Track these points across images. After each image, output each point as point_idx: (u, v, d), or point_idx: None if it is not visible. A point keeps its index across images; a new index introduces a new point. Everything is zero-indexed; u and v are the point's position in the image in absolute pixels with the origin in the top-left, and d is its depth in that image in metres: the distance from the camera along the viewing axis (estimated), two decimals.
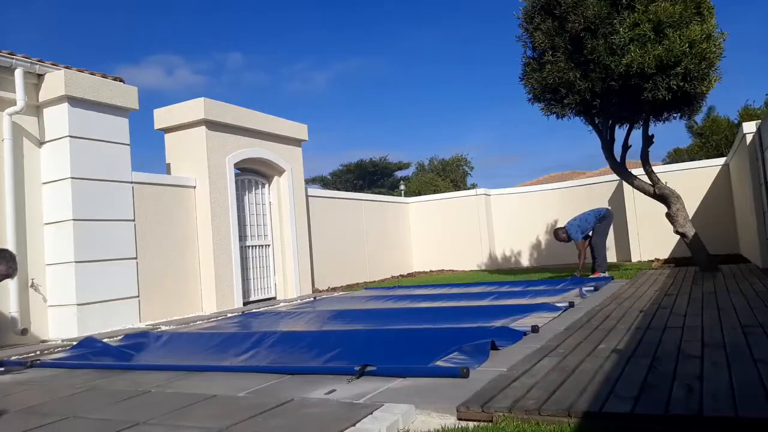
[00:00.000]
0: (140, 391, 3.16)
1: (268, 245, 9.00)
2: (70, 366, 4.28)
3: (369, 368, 3.04)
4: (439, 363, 3.28)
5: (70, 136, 6.15)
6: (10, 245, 5.77)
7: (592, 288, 6.64)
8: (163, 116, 8.03)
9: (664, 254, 10.60)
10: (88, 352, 4.82)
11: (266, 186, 9.15)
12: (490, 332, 3.90)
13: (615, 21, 7.09)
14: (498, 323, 4.50)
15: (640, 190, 8.55)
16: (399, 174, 38.16)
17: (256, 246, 8.75)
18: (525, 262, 12.76)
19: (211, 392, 3.01)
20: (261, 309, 7.44)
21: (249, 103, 8.52)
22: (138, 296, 6.65)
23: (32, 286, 6.03)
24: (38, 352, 5.02)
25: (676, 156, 20.44)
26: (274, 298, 8.92)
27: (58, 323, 6.07)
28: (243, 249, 8.39)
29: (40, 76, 6.21)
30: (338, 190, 24.30)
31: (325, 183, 37.60)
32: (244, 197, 8.63)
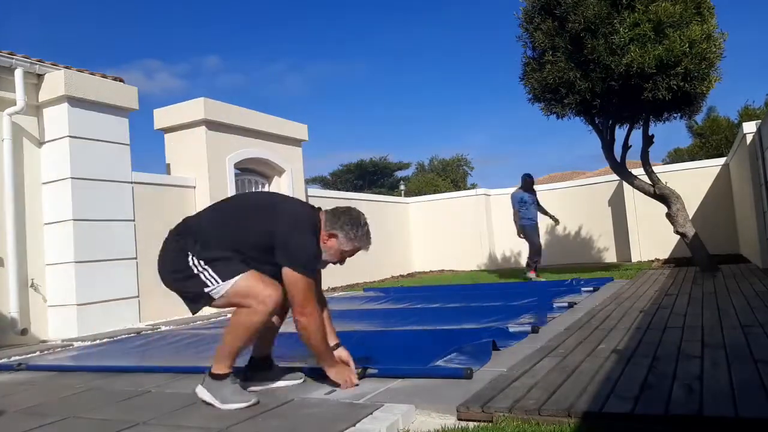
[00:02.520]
0: (140, 391, 3.16)
1: None
2: (66, 369, 4.27)
3: (370, 371, 3.02)
4: (440, 363, 3.27)
5: (70, 136, 6.15)
6: (10, 245, 5.77)
7: (592, 289, 6.64)
8: (162, 116, 8.03)
9: (664, 254, 10.60)
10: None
11: (266, 186, 9.14)
12: (490, 332, 3.90)
13: (615, 21, 7.09)
14: (498, 323, 4.50)
15: (640, 190, 8.55)
16: (399, 174, 38.22)
17: None
18: (525, 262, 12.74)
19: None
20: None
21: (246, 106, 8.51)
22: (138, 296, 6.65)
23: (32, 286, 6.03)
24: (38, 353, 5.02)
25: (676, 156, 20.47)
26: None
27: (57, 323, 6.07)
28: None
29: (39, 76, 6.21)
30: (338, 190, 24.31)
31: (325, 183, 37.63)
32: None
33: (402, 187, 30.54)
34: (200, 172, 7.69)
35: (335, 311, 6.39)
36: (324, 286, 10.48)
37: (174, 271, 2.74)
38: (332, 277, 10.18)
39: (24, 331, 5.78)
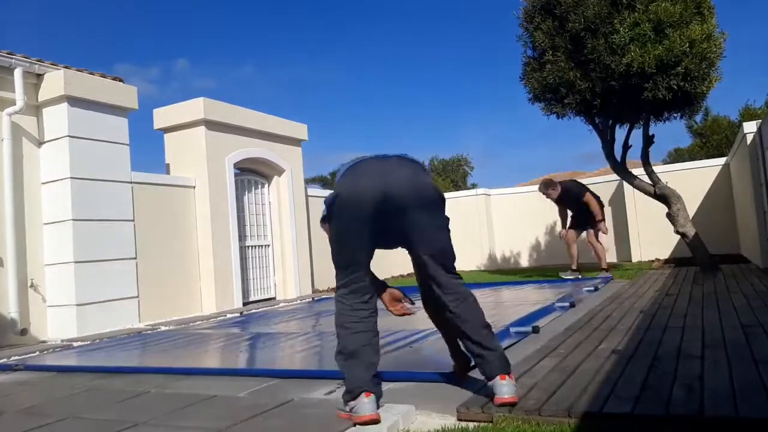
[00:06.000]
0: (140, 391, 3.15)
1: (268, 245, 9.00)
2: (66, 369, 4.27)
3: None
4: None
5: (70, 136, 6.15)
6: (9, 245, 5.77)
7: (592, 288, 6.63)
8: (162, 116, 8.03)
9: (665, 254, 10.59)
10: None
11: (266, 186, 9.14)
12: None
13: (615, 21, 7.08)
14: (498, 323, 4.49)
15: (641, 190, 8.54)
16: None
17: (255, 246, 8.74)
18: (524, 262, 12.75)
19: (211, 392, 3.00)
20: (261, 309, 7.44)
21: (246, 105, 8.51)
22: (137, 296, 6.64)
23: (32, 286, 6.02)
24: (37, 353, 5.01)
25: (677, 156, 20.48)
26: (274, 298, 8.91)
27: (57, 323, 6.07)
28: (243, 249, 8.38)
29: (39, 76, 6.20)
30: None
31: (325, 183, 37.61)
32: (243, 197, 8.62)
33: None
34: (200, 172, 7.69)
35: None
36: (324, 286, 10.45)
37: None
38: (333, 277, 10.16)
39: (23, 331, 5.77)
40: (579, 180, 9.90)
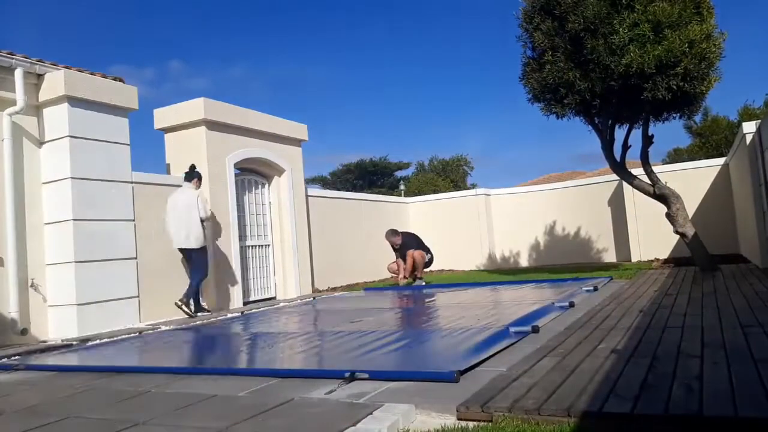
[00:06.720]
0: (140, 391, 3.16)
1: (268, 245, 9.00)
2: (66, 369, 4.27)
3: (361, 375, 3.01)
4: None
5: (70, 136, 6.15)
6: (10, 245, 5.78)
7: (592, 288, 6.64)
8: (163, 116, 8.03)
9: (664, 254, 10.60)
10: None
11: (266, 186, 9.14)
12: (490, 332, 3.90)
13: (614, 21, 7.09)
14: (498, 323, 4.50)
15: (640, 190, 8.55)
16: (399, 174, 38.22)
17: (256, 246, 8.75)
18: (524, 262, 12.75)
19: (211, 392, 3.01)
20: (261, 309, 7.44)
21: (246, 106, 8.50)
22: (138, 296, 6.65)
23: (32, 286, 6.02)
24: (37, 353, 5.01)
25: (676, 156, 20.48)
26: (274, 298, 8.92)
27: (57, 323, 6.07)
28: (243, 249, 8.38)
29: (39, 76, 6.21)
30: (338, 190, 24.29)
31: (325, 183, 37.63)
32: (244, 197, 8.63)
33: (402, 187, 30.57)
34: (200, 172, 7.68)
35: (336, 310, 6.40)
36: (324, 286, 10.47)
37: None
38: (333, 277, 10.19)
39: (24, 331, 5.78)
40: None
